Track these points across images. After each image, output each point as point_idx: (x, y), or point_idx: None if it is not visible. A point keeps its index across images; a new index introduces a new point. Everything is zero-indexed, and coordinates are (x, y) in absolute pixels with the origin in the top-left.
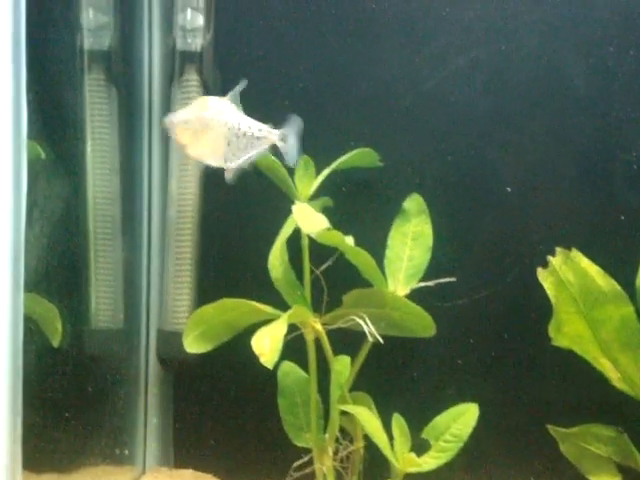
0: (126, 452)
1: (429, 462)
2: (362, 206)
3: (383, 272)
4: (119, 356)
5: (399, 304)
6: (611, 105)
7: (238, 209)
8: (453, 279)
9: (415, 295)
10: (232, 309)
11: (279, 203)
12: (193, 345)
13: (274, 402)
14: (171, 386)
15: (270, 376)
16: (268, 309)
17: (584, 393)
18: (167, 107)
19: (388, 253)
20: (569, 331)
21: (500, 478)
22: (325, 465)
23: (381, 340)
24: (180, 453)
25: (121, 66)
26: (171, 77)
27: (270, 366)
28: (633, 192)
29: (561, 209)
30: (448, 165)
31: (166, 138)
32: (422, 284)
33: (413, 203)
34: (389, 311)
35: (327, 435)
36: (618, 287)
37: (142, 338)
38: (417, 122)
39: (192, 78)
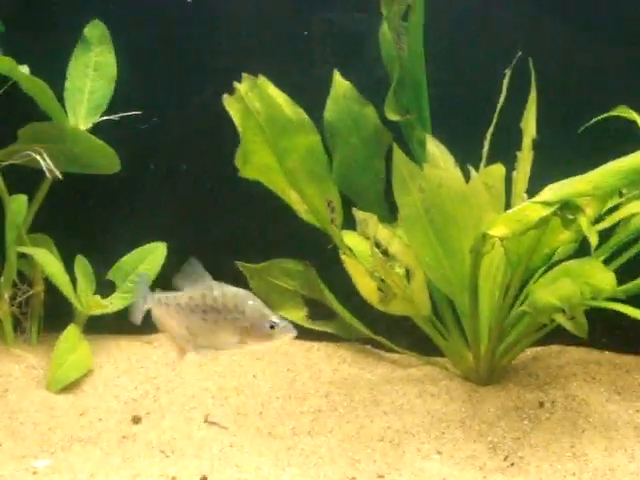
0: None
1: (115, 303)
2: (38, 33)
3: (63, 105)
4: None
5: (80, 139)
6: None
7: None
8: (138, 112)
9: (99, 129)
10: None
11: None
12: None
13: None
14: None
15: None
16: None
17: (273, 228)
18: None
19: (68, 85)
20: (256, 162)
21: None
22: (1, 311)
23: (60, 177)
24: None
25: None
26: None
27: None
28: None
29: (250, 32)
30: None
31: None
32: (105, 117)
33: (95, 30)
34: (70, 146)
35: (3, 279)
36: (305, 116)
37: None
38: None
39: None
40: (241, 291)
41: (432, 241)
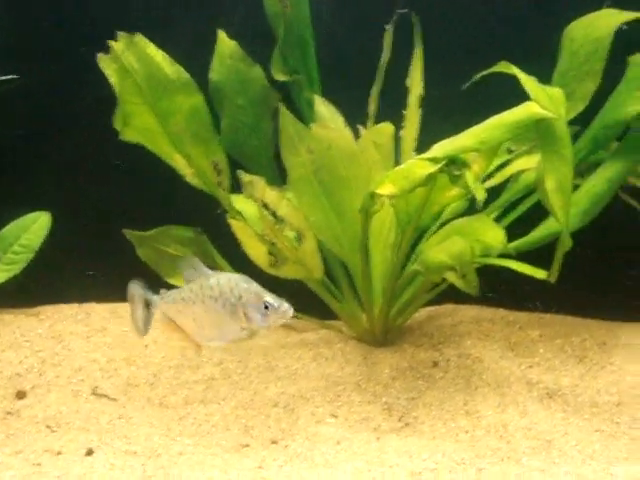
0: None
1: None
2: None
3: None
4: None
5: None
6: None
7: None
8: (17, 76)
9: None
10: None
11: None
12: None
13: None
14: None
15: None
16: None
17: (160, 193)
18: None
19: None
20: (138, 124)
21: (73, 284)
22: None
23: None
24: None
25: None
26: None
27: None
28: None
29: None
30: None
31: None
32: None
33: None
34: None
35: None
36: (186, 75)
37: None
38: None
39: None
40: (235, 275)
41: (322, 202)
